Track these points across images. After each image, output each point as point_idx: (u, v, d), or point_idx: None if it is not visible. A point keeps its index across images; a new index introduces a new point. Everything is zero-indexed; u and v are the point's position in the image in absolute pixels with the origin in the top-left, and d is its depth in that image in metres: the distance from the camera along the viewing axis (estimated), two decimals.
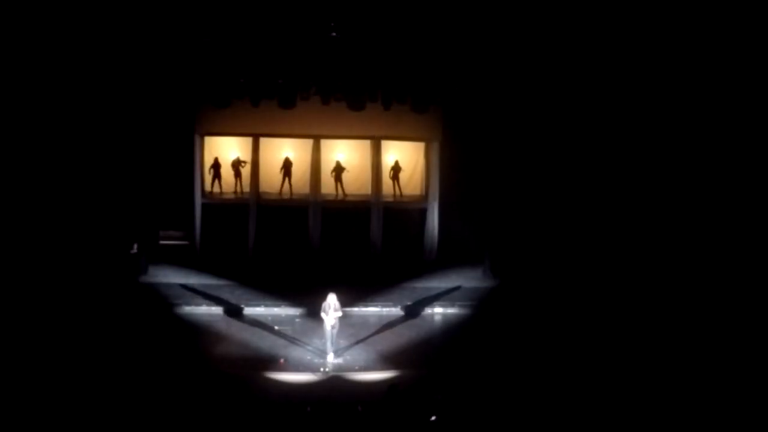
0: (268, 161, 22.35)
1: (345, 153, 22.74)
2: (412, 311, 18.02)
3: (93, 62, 16.69)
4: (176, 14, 16.13)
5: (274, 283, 19.29)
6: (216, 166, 22.22)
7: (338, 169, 22.40)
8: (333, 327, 14.77)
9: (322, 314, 14.79)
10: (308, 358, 15.00)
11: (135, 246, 18.96)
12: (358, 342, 15.81)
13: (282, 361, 14.75)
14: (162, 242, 20.98)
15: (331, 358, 14.78)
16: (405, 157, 22.92)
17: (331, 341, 14.84)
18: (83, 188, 17.68)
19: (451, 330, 16.96)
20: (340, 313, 14.84)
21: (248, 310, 17.57)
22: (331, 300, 14.76)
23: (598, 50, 16.66)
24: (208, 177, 22.23)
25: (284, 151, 22.45)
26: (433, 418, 11.82)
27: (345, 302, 15.53)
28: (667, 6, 15.24)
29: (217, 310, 17.65)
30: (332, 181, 22.41)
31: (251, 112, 19.36)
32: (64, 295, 16.48)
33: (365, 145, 22.58)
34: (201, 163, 21.93)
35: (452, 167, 21.80)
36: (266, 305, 17.82)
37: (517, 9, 15.53)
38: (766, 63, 14.44)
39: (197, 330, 16.44)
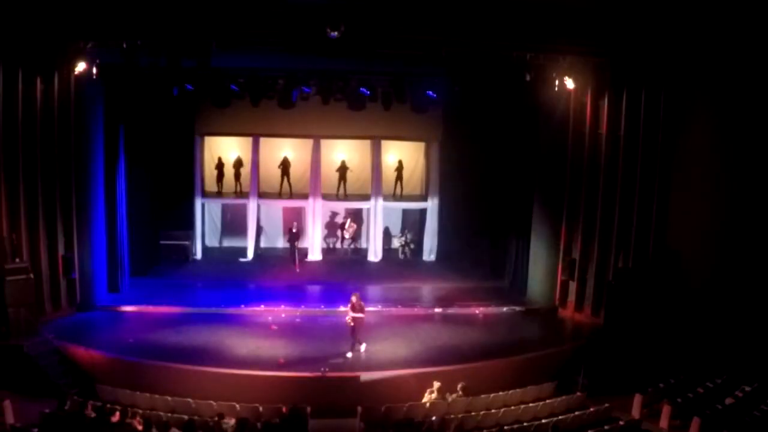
0: (268, 161, 22.37)
1: (345, 153, 22.76)
2: (413, 311, 17.99)
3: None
4: (176, 14, 16.09)
5: (274, 282, 19.33)
6: (219, 166, 22.25)
7: (343, 169, 22.41)
8: (350, 324, 14.94)
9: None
10: (309, 358, 14.98)
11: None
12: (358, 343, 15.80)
13: (282, 361, 14.74)
14: (162, 242, 20.97)
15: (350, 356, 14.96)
16: (405, 157, 22.94)
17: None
18: None
19: (451, 329, 16.93)
20: (361, 315, 14.97)
21: (248, 310, 17.54)
22: (353, 300, 14.98)
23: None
24: (213, 177, 22.27)
25: (283, 150, 22.45)
26: (434, 418, 11.84)
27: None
28: (663, 7, 15.28)
29: (217, 309, 17.61)
30: (333, 180, 22.43)
31: (251, 112, 19.37)
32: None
33: (365, 145, 22.60)
34: (201, 163, 21.96)
35: (452, 167, 21.81)
36: (266, 305, 17.80)
37: (517, 9, 15.51)
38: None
39: (197, 330, 16.39)
